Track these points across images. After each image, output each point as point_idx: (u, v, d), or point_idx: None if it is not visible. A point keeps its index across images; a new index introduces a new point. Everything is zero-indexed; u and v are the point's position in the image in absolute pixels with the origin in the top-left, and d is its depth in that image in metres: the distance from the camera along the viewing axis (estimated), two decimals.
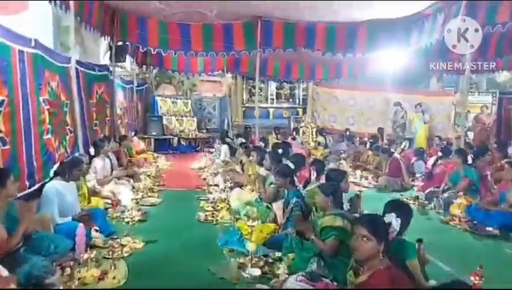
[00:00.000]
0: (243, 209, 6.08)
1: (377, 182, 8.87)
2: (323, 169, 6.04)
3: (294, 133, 13.44)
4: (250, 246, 4.29)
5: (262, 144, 9.48)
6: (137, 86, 13.16)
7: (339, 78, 16.03)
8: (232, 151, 10.84)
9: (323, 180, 5.91)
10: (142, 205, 6.74)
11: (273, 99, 17.04)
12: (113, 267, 4.17)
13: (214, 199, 7.21)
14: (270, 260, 4.53)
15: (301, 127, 14.71)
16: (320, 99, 16.68)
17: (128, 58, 11.54)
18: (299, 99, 17.12)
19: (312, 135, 14.79)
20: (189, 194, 7.78)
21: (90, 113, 8.29)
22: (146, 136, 13.18)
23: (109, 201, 6.44)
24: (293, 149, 11.49)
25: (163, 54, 14.44)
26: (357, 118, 16.33)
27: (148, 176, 8.74)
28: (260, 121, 16.33)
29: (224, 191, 7.78)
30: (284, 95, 17.19)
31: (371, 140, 11.09)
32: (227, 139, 11.34)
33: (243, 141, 9.91)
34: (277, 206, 5.55)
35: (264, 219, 5.86)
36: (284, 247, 4.49)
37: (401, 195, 7.80)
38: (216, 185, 8.26)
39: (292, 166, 5.75)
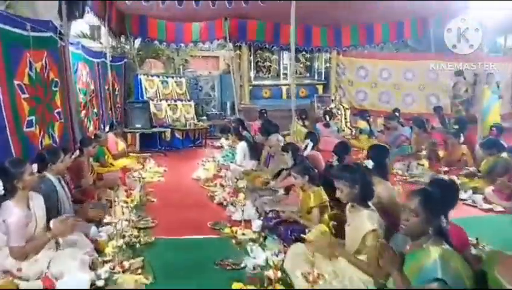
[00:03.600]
0: None
1: (508, 200, 5.17)
2: None
3: (327, 118, 9.65)
4: None
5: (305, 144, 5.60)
6: (112, 61, 9.16)
7: (370, 44, 12.27)
8: (253, 149, 7.05)
9: None
10: None
11: (286, 74, 13.13)
12: None
13: (258, 268, 3.47)
14: None
15: (331, 108, 10.89)
16: (346, 73, 12.87)
17: (90, 17, 7.55)
18: (318, 73, 13.22)
19: (346, 118, 11.03)
20: (204, 250, 3.99)
21: (16, 105, 4.43)
22: (128, 131, 9.24)
23: None
24: (326, 140, 7.90)
25: (147, 18, 10.79)
26: (393, 94, 12.60)
27: (127, 205, 4.90)
28: (271, 102, 12.85)
29: (263, 234, 4.08)
30: (299, 69, 13.27)
31: (456, 126, 7.28)
32: (245, 133, 7.49)
33: (279, 138, 5.90)
34: None
35: None
36: None
37: None
38: (247, 221, 4.51)
39: None
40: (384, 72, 12.61)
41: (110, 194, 5.22)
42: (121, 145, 7.69)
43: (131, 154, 8.06)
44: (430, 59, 11.97)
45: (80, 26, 12.85)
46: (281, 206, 4.65)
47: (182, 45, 11.86)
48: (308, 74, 13.40)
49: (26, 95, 4.69)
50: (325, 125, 9.51)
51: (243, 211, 4.28)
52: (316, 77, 13.17)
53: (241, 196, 4.67)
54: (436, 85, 12.06)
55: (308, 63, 13.18)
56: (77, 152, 5.26)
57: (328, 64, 12.88)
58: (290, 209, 4.47)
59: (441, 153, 7.31)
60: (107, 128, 7.57)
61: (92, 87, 7.54)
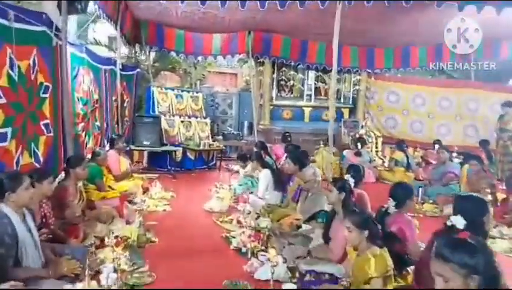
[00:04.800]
0: None
1: None
2: None
3: (358, 146, 8.44)
4: None
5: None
6: (123, 70, 8.12)
7: (405, 67, 11.09)
8: (277, 179, 5.86)
9: None
10: None
11: (310, 95, 11.98)
12: None
13: None
14: None
15: (361, 135, 9.68)
16: (375, 97, 11.72)
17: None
18: (344, 96, 12.03)
19: (377, 147, 9.81)
20: None
21: None
22: (134, 148, 8.13)
23: None
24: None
25: (164, 26, 9.79)
26: (426, 123, 11.39)
27: (117, 256, 3.67)
28: (292, 124, 11.70)
29: None
30: (324, 91, 12.10)
31: None
32: (268, 159, 6.32)
33: (316, 172, 4.66)
34: None
35: None
36: None
37: None
38: (275, 281, 3.30)
39: None
40: (417, 98, 11.45)
41: (102, 230, 4.11)
42: (125, 164, 6.55)
43: (136, 175, 6.90)
44: (470, 87, 10.81)
45: (99, 35, 12.03)
46: (322, 264, 3.44)
47: (201, 57, 10.86)
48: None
49: (3, 101, 3.61)
50: (356, 153, 8.30)
51: (272, 273, 3.08)
52: (342, 100, 11.98)
53: (272, 252, 3.47)
54: (475, 116, 10.86)
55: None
56: (62, 174, 4.16)
57: (357, 87, 11.69)
58: (335, 270, 3.29)
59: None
60: (106, 147, 6.49)
61: (96, 96, 6.46)
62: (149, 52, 10.73)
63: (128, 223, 4.61)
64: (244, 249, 4.14)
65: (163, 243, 4.34)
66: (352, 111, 11.92)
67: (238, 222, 5.03)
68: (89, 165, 4.89)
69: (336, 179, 3.80)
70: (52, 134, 4.53)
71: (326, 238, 3.84)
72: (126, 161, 6.75)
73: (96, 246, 3.85)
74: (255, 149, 6.73)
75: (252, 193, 6.03)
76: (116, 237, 3.66)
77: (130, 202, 5.60)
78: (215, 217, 5.43)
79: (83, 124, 5.78)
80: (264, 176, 5.79)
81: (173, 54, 10.56)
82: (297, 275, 3.39)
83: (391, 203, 3.66)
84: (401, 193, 3.65)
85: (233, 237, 4.46)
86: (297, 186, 5.09)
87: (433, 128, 11.20)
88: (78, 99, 5.63)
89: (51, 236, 3.62)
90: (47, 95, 4.44)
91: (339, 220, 3.63)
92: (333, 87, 6.47)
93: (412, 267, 3.40)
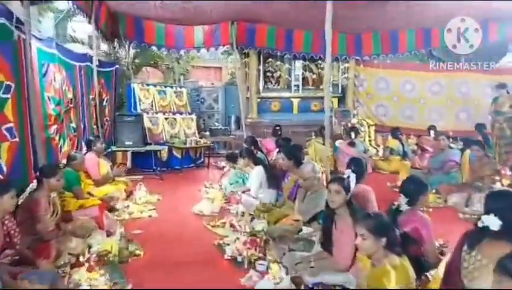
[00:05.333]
0: None
1: None
2: None
3: (352, 136, 8.00)
4: None
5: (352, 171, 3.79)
6: (100, 66, 7.52)
7: (394, 53, 10.65)
8: (271, 176, 5.40)
9: None
10: None
11: (298, 86, 11.50)
12: None
13: None
14: None
15: (353, 124, 9.26)
16: (365, 84, 11.33)
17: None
18: (334, 84, 11.57)
19: (370, 136, 9.40)
20: None
21: None
22: (117, 149, 7.58)
23: None
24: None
25: (143, 20, 9.20)
26: (417, 109, 11.05)
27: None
28: (280, 117, 11.25)
29: None
30: (312, 80, 11.64)
31: None
32: (260, 155, 5.85)
33: (315, 168, 4.15)
34: None
35: None
36: None
37: None
38: None
39: None
40: (407, 84, 11.09)
41: (77, 246, 3.59)
42: (105, 167, 6.00)
43: (118, 178, 6.35)
44: (460, 70, 10.44)
45: (78, 34, 11.37)
46: (329, 274, 2.99)
47: (183, 51, 10.28)
48: (321, 86, 11.76)
49: None
50: (350, 144, 7.85)
51: None
52: (331, 89, 11.49)
53: (275, 268, 3.01)
54: (467, 99, 10.55)
55: (323, 73, 11.53)
56: (33, 184, 3.62)
57: (346, 75, 11.26)
58: (346, 281, 2.84)
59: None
60: (84, 149, 5.95)
61: (70, 95, 5.88)
62: (128, 47, 10.14)
63: (109, 234, 4.11)
64: (239, 258, 3.68)
65: (148, 256, 3.85)
66: (341, 100, 11.51)
67: (232, 225, 4.56)
68: (64, 171, 4.36)
69: (336, 178, 3.29)
70: (17, 139, 3.98)
71: (327, 245, 3.36)
72: (106, 163, 6.19)
73: (72, 264, 3.36)
74: (245, 145, 6.26)
75: (244, 192, 5.55)
76: (88, 260, 3.14)
77: (112, 209, 5.10)
78: (205, 221, 4.94)
79: (55, 126, 5.21)
80: (257, 174, 5.32)
81: (154, 48, 9.96)
82: (302, 288, 2.94)
83: (403, 200, 3.22)
84: (414, 188, 3.21)
85: (227, 245, 3.98)
86: (293, 183, 4.63)
87: (425, 114, 10.87)
88: (49, 99, 5.06)
89: (17, 258, 3.11)
90: (9, 96, 3.88)
91: (343, 223, 3.17)
92: (328, 75, 6.00)
93: (432, 271, 2.99)
